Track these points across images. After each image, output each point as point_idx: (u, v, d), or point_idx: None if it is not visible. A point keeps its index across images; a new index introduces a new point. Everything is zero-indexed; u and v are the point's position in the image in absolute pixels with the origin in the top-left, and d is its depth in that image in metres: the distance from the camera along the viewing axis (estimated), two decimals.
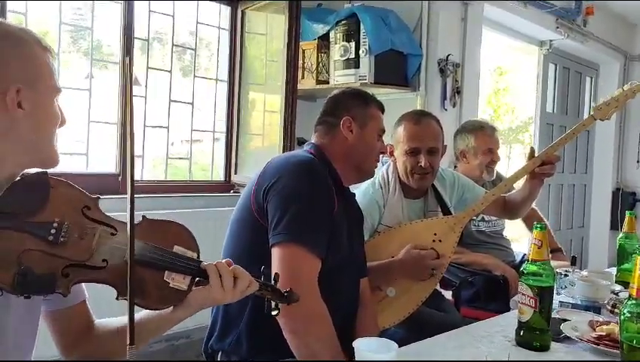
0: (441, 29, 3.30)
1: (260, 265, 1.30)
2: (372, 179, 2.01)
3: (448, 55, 3.33)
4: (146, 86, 3.09)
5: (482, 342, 1.29)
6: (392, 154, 2.05)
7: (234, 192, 3.40)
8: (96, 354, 1.11)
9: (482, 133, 2.68)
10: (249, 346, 1.43)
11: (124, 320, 1.08)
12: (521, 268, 1.31)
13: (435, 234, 1.89)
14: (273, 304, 1.12)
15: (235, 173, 3.47)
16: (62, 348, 1.11)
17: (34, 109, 0.96)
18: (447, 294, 2.48)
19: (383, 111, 1.68)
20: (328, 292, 1.39)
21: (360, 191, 1.97)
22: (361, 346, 0.94)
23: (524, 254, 2.73)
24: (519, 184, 2.11)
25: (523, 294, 1.29)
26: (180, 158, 3.39)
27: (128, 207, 0.91)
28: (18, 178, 0.96)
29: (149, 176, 3.24)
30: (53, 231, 0.91)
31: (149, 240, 1.00)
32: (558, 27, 4.26)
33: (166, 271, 1.01)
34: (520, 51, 5.16)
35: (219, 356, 1.50)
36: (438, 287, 2.44)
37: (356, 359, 0.95)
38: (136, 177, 3.09)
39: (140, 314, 1.08)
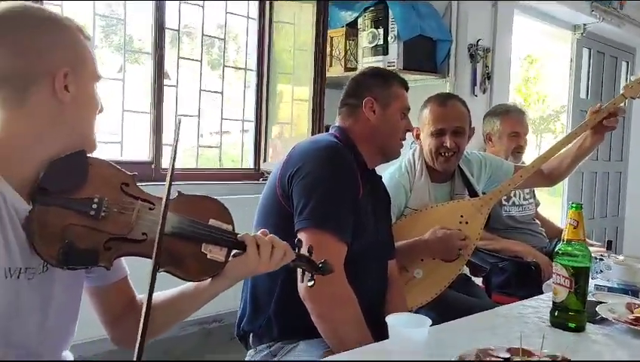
0: (471, 13, 3.25)
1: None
2: (398, 163, 2.01)
3: (478, 40, 3.29)
4: (177, 76, 3.13)
5: (515, 323, 1.29)
6: (418, 137, 2.04)
7: (263, 180, 3.43)
8: (136, 330, 1.14)
9: (508, 117, 2.65)
10: (279, 329, 1.45)
11: (164, 295, 1.11)
12: (556, 248, 1.30)
13: (462, 216, 1.89)
14: (308, 275, 1.13)
15: (265, 161, 3.50)
16: (105, 325, 1.15)
17: (78, 94, 0.99)
18: (478, 281, 2.47)
19: (406, 88, 1.65)
20: (356, 276, 1.40)
21: (386, 175, 1.97)
22: (394, 321, 0.95)
23: (557, 241, 2.69)
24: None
25: (557, 274, 1.27)
26: (210, 147, 3.43)
27: (168, 179, 0.93)
28: (57, 158, 0.98)
29: (181, 165, 3.30)
30: (94, 206, 0.95)
31: (186, 215, 1.02)
32: (593, 10, 4.15)
33: (203, 244, 1.03)
34: (551, 37, 5.03)
35: (250, 338, 1.52)
36: (468, 273, 2.43)
37: (389, 334, 0.95)
38: (165, 165, 3.15)
39: (179, 288, 1.11)
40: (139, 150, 3.01)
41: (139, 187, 1.02)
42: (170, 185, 0.93)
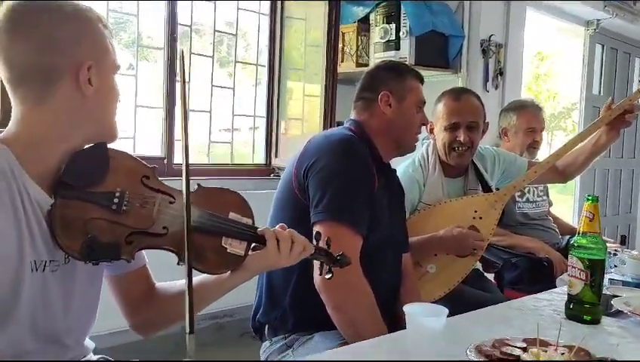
0: (483, 9, 3.24)
1: None
2: (412, 157, 2.01)
3: (491, 36, 3.28)
4: (189, 72, 3.15)
5: (530, 315, 1.29)
6: (432, 131, 2.04)
7: (274, 176, 3.44)
8: (158, 318, 1.15)
9: (525, 112, 2.62)
10: (294, 321, 1.46)
11: (181, 286, 1.13)
12: (572, 241, 1.29)
13: (476, 212, 1.89)
14: (327, 267, 1.14)
15: (276, 157, 3.51)
16: (125, 313, 1.16)
17: (101, 86, 0.99)
18: (490, 276, 2.46)
19: (422, 81, 1.65)
20: (371, 268, 1.41)
21: (400, 169, 1.96)
22: (412, 311, 0.96)
23: (570, 237, 2.68)
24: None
25: (573, 267, 1.27)
26: (223, 143, 3.44)
27: (184, 174, 0.94)
28: (78, 151, 0.98)
29: (192, 161, 3.31)
30: (116, 200, 0.95)
31: (206, 208, 1.03)
32: (606, 6, 4.12)
33: (223, 237, 1.04)
34: (563, 33, 5.00)
35: (265, 330, 1.53)
36: (480, 268, 2.43)
37: (407, 323, 0.96)
38: (180, 161, 3.16)
39: (198, 278, 1.12)
40: (151, 145, 3.04)
41: (159, 180, 1.02)
42: (187, 180, 0.93)
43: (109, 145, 1.02)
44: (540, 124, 2.64)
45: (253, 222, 1.09)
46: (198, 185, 1.06)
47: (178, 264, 1.00)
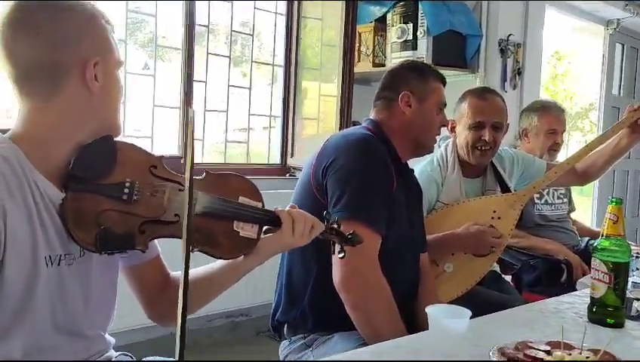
0: (501, 8, 3.21)
1: (321, 242, 1.33)
2: (430, 157, 2.00)
3: (509, 35, 3.25)
4: (206, 72, 3.17)
5: (552, 318, 1.27)
6: (453, 130, 2.03)
7: (290, 175, 3.45)
8: (174, 307, 1.16)
9: (547, 113, 2.60)
10: (313, 320, 1.46)
11: (200, 271, 1.14)
12: (595, 244, 1.28)
13: (495, 212, 1.88)
14: (339, 247, 1.15)
15: (292, 157, 3.52)
16: (143, 304, 1.17)
17: (106, 82, 0.99)
18: (508, 278, 2.44)
19: (444, 83, 1.64)
20: (389, 268, 1.40)
21: (417, 169, 1.96)
22: (434, 312, 0.95)
23: (589, 239, 2.65)
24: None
25: (596, 270, 1.25)
26: (238, 142, 3.46)
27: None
28: (85, 144, 0.99)
29: (208, 160, 3.33)
30: (126, 190, 0.95)
31: (215, 193, 1.03)
32: (627, 5, 4.06)
33: (235, 221, 1.04)
34: (582, 32, 4.94)
35: (284, 329, 1.53)
36: (498, 270, 2.41)
37: (429, 324, 0.95)
38: (197, 160, 3.19)
39: (212, 265, 1.13)
40: (169, 145, 3.06)
41: (167, 168, 1.02)
42: (192, 164, 0.92)
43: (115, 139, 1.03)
44: (561, 126, 2.61)
45: (263, 206, 1.09)
46: (206, 171, 1.07)
47: (191, 252, 1.00)
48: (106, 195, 0.94)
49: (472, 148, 1.95)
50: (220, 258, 1.07)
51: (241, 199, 1.06)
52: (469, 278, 1.86)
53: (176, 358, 0.67)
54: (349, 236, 1.16)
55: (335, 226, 1.15)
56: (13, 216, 0.88)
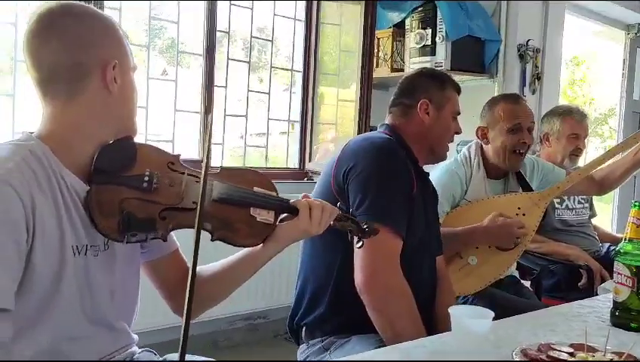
0: (521, 13, 3.21)
1: (341, 245, 1.35)
2: (452, 157, 2.04)
3: (528, 40, 3.24)
4: (226, 77, 3.21)
5: (574, 322, 1.27)
6: (484, 136, 2.04)
7: (307, 180, 3.47)
8: (195, 299, 1.18)
9: (570, 118, 2.58)
10: (332, 323, 1.46)
11: (219, 264, 1.17)
12: (618, 248, 1.27)
13: (519, 208, 1.90)
14: (356, 238, 1.18)
15: (310, 161, 3.54)
16: (165, 297, 1.21)
17: (123, 83, 1.05)
18: (526, 284, 2.43)
19: (459, 92, 1.66)
20: (410, 271, 1.41)
21: (441, 166, 1.98)
22: (457, 313, 0.96)
23: (610, 245, 2.63)
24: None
25: (619, 274, 1.25)
26: (257, 146, 3.49)
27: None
28: (107, 144, 1.05)
29: (227, 164, 3.37)
30: (146, 179, 1.01)
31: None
32: None
33: (251, 208, 1.08)
34: (602, 37, 4.90)
35: (303, 332, 1.54)
36: (517, 275, 2.41)
37: (452, 325, 0.96)
38: (216, 164, 3.22)
39: (229, 258, 1.17)
40: (189, 149, 3.10)
41: (183, 164, 1.08)
42: (209, 151, 0.95)
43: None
44: (583, 131, 2.60)
45: (277, 195, 1.13)
46: (221, 167, 1.12)
47: (212, 240, 1.04)
48: (128, 185, 1.00)
49: (511, 152, 1.98)
50: (240, 244, 1.10)
51: (256, 189, 1.11)
52: (492, 272, 1.88)
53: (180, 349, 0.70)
54: (365, 226, 1.19)
55: (350, 215, 1.19)
56: (42, 208, 0.93)
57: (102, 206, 0.98)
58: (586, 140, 2.62)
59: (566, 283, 2.40)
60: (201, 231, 1.00)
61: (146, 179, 1.01)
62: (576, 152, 2.58)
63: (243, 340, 2.98)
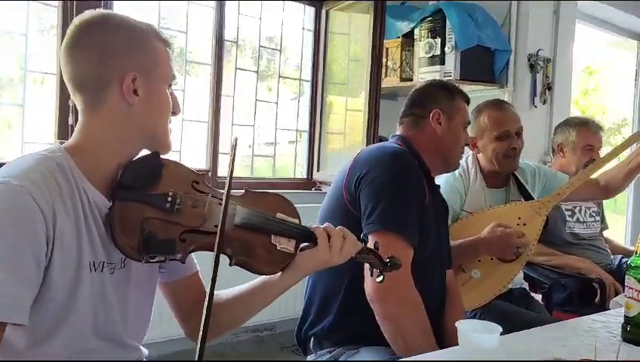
0: (531, 22, 3.19)
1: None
2: None
3: (539, 50, 3.21)
4: (234, 87, 3.22)
5: (585, 336, 1.24)
6: (475, 146, 2.04)
7: (315, 189, 3.46)
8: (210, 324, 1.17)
9: (585, 129, 2.55)
10: (341, 334, 1.45)
11: (235, 290, 1.15)
12: (629, 261, 1.24)
13: (520, 218, 1.89)
14: (378, 271, 1.14)
15: (318, 171, 3.53)
16: (180, 319, 1.19)
17: (148, 96, 1.01)
18: (538, 297, 2.38)
19: (468, 102, 1.68)
20: (422, 281, 1.40)
21: (440, 180, 1.96)
22: (465, 327, 0.94)
23: (622, 257, 2.58)
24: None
25: (630, 288, 1.22)
26: (265, 156, 3.49)
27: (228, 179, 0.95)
28: (133, 159, 1.03)
29: (235, 174, 3.35)
30: (169, 199, 0.99)
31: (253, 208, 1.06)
32: None
33: (272, 235, 1.05)
34: (614, 46, 4.86)
35: (311, 342, 1.53)
36: (527, 287, 2.37)
37: (459, 340, 0.94)
38: (224, 173, 3.22)
39: (246, 285, 1.14)
40: (197, 158, 3.11)
41: (208, 185, 1.06)
42: (231, 176, 0.94)
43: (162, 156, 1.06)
44: (598, 143, 2.57)
45: (300, 222, 1.10)
46: (246, 189, 1.09)
47: (230, 265, 1.02)
48: (151, 204, 0.98)
49: (504, 157, 1.98)
50: (259, 272, 1.07)
51: (279, 215, 1.08)
52: (496, 285, 1.85)
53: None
54: (388, 260, 1.15)
55: (373, 248, 1.15)
56: (63, 220, 0.92)
57: (123, 223, 0.96)
58: (599, 152, 2.58)
59: (578, 297, 2.35)
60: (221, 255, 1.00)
61: (169, 199, 0.99)
62: (590, 163, 2.54)
63: (249, 352, 2.96)
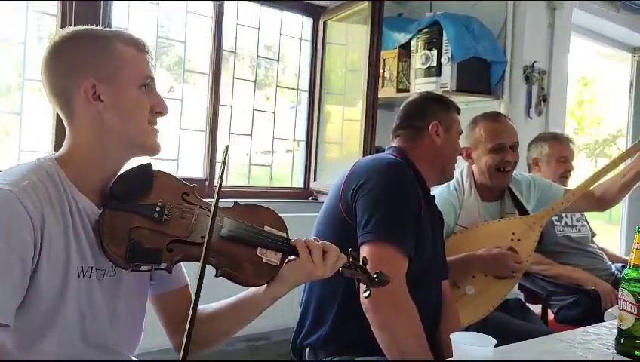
0: (526, 35, 3.22)
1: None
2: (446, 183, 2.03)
3: (534, 62, 3.24)
4: (232, 96, 3.23)
5: (579, 349, 1.24)
6: (469, 156, 2.05)
7: (312, 199, 3.46)
8: (198, 338, 1.17)
9: (557, 142, 2.66)
10: (336, 343, 1.46)
11: (224, 303, 1.16)
12: (622, 274, 1.25)
13: (514, 234, 1.90)
14: (364, 286, 1.15)
15: (315, 180, 3.53)
16: (169, 333, 1.19)
17: (114, 101, 1.01)
18: (535, 308, 2.39)
19: (459, 113, 1.72)
20: (416, 292, 1.40)
21: (435, 193, 1.97)
22: (459, 339, 0.94)
23: (623, 266, 2.59)
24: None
25: (624, 300, 1.23)
26: (262, 166, 3.50)
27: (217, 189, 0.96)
28: (126, 168, 1.06)
29: (232, 183, 3.37)
30: (157, 209, 1.01)
31: (241, 221, 1.07)
32: None
33: (258, 248, 1.07)
34: (609, 58, 4.91)
35: (306, 352, 1.53)
36: (522, 298, 2.38)
37: (454, 352, 0.95)
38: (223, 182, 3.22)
39: (232, 299, 1.15)
40: (194, 167, 3.11)
41: (198, 196, 1.08)
42: (219, 188, 0.94)
43: (155, 166, 1.08)
44: (571, 154, 2.67)
45: (288, 236, 1.12)
46: (235, 202, 1.11)
47: (216, 276, 1.04)
48: (140, 214, 1.00)
49: (496, 171, 1.98)
50: (244, 283, 1.08)
51: (267, 228, 1.10)
52: (490, 301, 1.86)
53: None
54: (375, 276, 1.16)
55: (360, 263, 1.16)
56: (51, 228, 0.94)
57: (112, 232, 0.98)
58: (573, 163, 2.68)
59: (574, 307, 2.36)
60: (206, 266, 1.01)
61: (158, 209, 1.01)
62: (566, 174, 2.63)
63: None
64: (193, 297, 0.80)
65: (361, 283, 1.17)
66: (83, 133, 1.02)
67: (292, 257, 1.11)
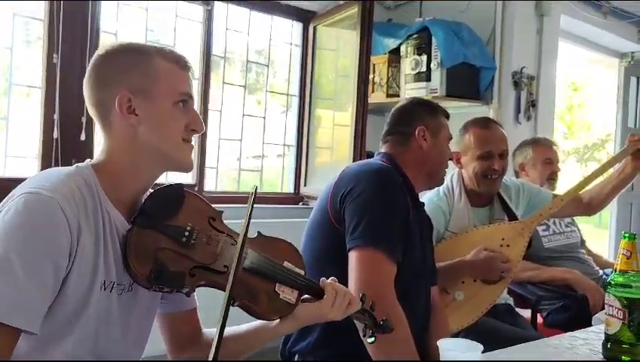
0: (515, 41, 3.24)
1: (337, 268, 1.33)
2: (436, 188, 2.03)
3: (523, 67, 3.27)
4: (221, 101, 3.23)
5: (566, 354, 1.25)
6: (458, 161, 2.05)
7: (302, 204, 3.46)
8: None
9: (539, 145, 2.69)
10: (325, 351, 1.45)
11: (230, 330, 1.14)
12: (609, 279, 1.26)
13: (503, 239, 1.90)
14: (370, 331, 1.16)
15: (305, 186, 3.53)
16: (170, 350, 1.19)
17: (149, 115, 1.01)
18: (525, 313, 2.39)
19: (448, 118, 1.72)
20: (404, 298, 1.40)
21: (425, 199, 1.97)
22: (446, 346, 0.94)
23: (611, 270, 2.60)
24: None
25: (610, 306, 1.24)
26: (252, 171, 3.49)
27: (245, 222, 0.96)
28: (159, 187, 1.06)
29: (222, 188, 3.36)
30: (186, 233, 1.01)
31: (263, 253, 1.08)
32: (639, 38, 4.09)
33: (277, 283, 1.07)
34: (597, 64, 4.97)
35: (295, 359, 1.52)
36: (512, 303, 2.38)
37: (441, 358, 0.95)
38: (211, 188, 3.22)
39: (245, 326, 1.15)
40: (184, 174, 3.09)
41: (224, 223, 1.08)
42: (247, 224, 0.95)
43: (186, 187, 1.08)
44: (555, 156, 2.69)
45: (305, 274, 1.12)
46: (258, 232, 1.12)
47: (232, 306, 1.03)
48: (168, 235, 1.00)
49: (483, 177, 1.98)
50: (258, 316, 1.08)
51: (286, 264, 1.11)
52: (479, 306, 1.87)
53: None
54: (381, 322, 1.17)
55: (369, 309, 1.17)
56: (85, 237, 0.94)
57: (138, 249, 0.98)
58: (559, 165, 2.70)
59: (564, 313, 2.37)
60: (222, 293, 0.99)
61: (187, 233, 1.01)
62: (553, 176, 2.65)
63: None
64: (217, 331, 0.81)
65: (367, 329, 1.17)
66: (118, 145, 1.03)
67: (307, 296, 1.11)
